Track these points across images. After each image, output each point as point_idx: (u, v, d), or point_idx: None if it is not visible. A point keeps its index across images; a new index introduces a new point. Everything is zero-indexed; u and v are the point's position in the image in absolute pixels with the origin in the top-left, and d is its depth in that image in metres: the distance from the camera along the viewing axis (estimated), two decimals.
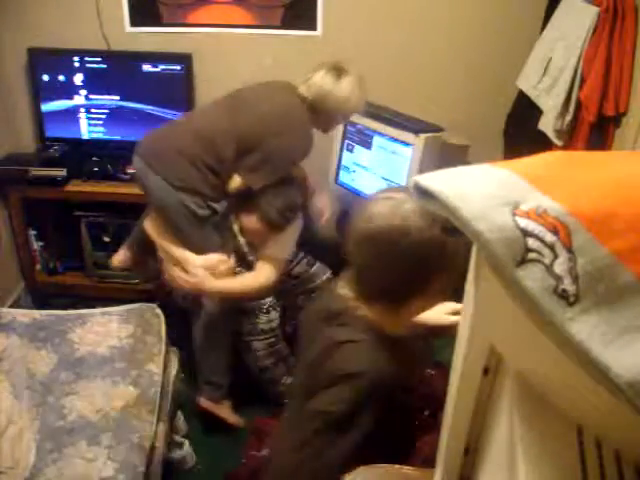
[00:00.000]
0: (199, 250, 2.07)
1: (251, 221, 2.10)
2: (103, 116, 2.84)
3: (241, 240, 2.19)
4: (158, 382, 1.88)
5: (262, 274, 2.14)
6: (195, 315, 2.23)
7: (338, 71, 2.06)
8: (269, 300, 2.21)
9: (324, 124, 2.16)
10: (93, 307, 2.27)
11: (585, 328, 0.43)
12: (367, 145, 2.56)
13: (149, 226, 2.15)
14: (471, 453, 0.71)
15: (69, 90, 2.80)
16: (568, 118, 2.12)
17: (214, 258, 2.07)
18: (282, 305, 2.39)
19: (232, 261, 2.13)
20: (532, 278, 0.44)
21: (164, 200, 2.01)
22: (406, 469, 0.97)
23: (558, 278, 0.44)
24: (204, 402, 2.26)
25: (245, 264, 2.22)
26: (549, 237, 0.45)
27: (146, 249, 2.27)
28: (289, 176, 2.12)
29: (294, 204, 2.10)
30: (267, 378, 2.33)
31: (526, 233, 0.45)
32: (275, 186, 2.04)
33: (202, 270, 2.04)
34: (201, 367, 2.27)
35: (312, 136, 2.08)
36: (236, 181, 2.03)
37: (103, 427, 1.69)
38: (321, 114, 2.08)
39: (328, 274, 2.41)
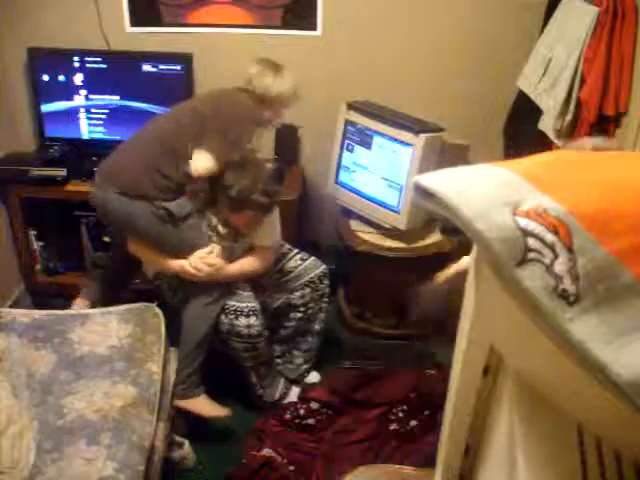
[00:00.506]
0: (179, 250, 2.15)
1: (245, 216, 2.14)
2: (103, 116, 2.84)
3: (222, 231, 2.22)
4: (157, 382, 1.88)
5: (258, 260, 2.27)
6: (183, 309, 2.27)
7: (275, 66, 2.24)
8: (251, 304, 2.21)
9: (267, 118, 2.28)
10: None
11: (585, 328, 0.43)
12: (367, 145, 2.55)
13: (134, 248, 2.24)
14: (471, 453, 0.71)
15: (69, 90, 2.80)
16: (568, 118, 2.12)
17: (203, 251, 2.15)
18: (274, 310, 2.41)
19: (218, 249, 2.19)
20: (532, 278, 0.44)
21: (128, 213, 2.10)
22: (406, 469, 0.97)
23: (558, 278, 0.44)
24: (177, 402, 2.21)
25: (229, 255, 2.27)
26: (549, 237, 0.45)
27: (120, 284, 2.50)
28: (263, 163, 2.22)
29: (274, 188, 2.15)
30: (248, 373, 2.34)
31: (526, 233, 0.45)
32: (254, 176, 2.10)
33: (218, 259, 2.15)
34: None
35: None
36: (206, 160, 2.06)
37: (103, 427, 1.68)
38: (262, 108, 2.21)
39: (322, 268, 2.42)
